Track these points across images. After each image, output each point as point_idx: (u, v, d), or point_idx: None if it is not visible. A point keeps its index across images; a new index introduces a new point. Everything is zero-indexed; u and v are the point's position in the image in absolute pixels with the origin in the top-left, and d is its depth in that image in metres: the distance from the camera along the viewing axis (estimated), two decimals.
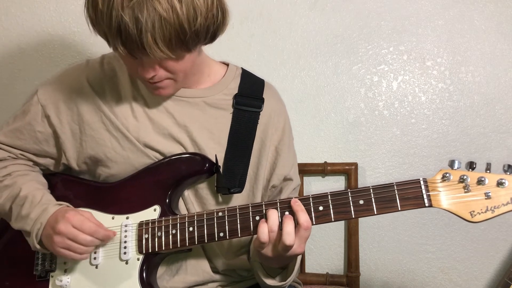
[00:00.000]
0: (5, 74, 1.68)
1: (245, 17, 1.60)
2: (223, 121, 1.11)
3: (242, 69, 1.19)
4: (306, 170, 1.59)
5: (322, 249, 1.66)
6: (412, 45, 1.58)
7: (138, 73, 0.98)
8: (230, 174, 1.08)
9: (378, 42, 1.58)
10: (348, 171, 1.58)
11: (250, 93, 1.13)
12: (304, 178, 1.60)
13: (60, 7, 1.64)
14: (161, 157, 1.08)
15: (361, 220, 1.60)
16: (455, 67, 1.57)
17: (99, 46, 1.65)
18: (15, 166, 1.13)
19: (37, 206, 1.04)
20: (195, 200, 1.11)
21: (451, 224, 1.60)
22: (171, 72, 0.98)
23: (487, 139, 1.57)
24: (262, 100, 1.14)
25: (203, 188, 1.11)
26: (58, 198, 1.11)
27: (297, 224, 0.94)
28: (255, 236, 0.97)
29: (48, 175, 1.17)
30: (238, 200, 1.11)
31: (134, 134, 1.07)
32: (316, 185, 1.63)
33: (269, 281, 1.04)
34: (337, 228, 1.64)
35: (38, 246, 1.03)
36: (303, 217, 0.93)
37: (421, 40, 1.57)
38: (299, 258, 1.05)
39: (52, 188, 1.15)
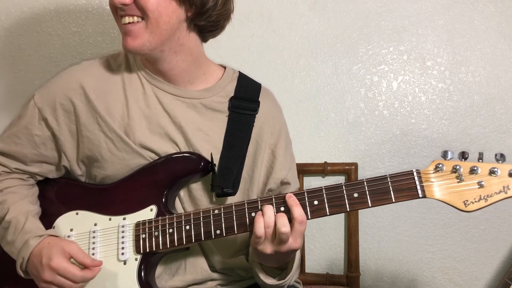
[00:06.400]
0: (5, 74, 1.68)
1: (245, 17, 1.60)
2: (219, 123, 1.11)
3: (239, 72, 1.19)
4: (306, 170, 1.59)
5: (322, 249, 1.66)
6: (412, 45, 1.57)
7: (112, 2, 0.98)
8: (224, 176, 1.08)
9: (378, 42, 1.58)
10: (348, 171, 1.58)
11: (246, 96, 1.14)
12: (304, 178, 1.60)
13: (60, 7, 1.64)
14: (156, 158, 1.08)
15: (361, 220, 1.60)
16: (455, 67, 1.56)
17: (99, 46, 1.67)
18: (8, 181, 1.12)
19: (20, 235, 1.04)
20: (189, 201, 1.12)
21: (451, 224, 1.60)
22: (141, 9, 0.97)
23: (487, 139, 1.56)
24: (258, 104, 1.14)
25: (197, 189, 1.11)
26: (55, 201, 1.11)
27: (292, 218, 0.94)
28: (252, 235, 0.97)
29: (45, 178, 1.16)
30: (232, 202, 1.11)
31: (130, 135, 1.07)
32: (316, 185, 1.61)
33: (269, 280, 1.04)
34: (337, 228, 1.64)
35: (24, 276, 1.03)
36: (298, 211, 0.94)
37: (421, 40, 1.57)
38: (297, 257, 1.05)
39: (49, 192, 1.15)
